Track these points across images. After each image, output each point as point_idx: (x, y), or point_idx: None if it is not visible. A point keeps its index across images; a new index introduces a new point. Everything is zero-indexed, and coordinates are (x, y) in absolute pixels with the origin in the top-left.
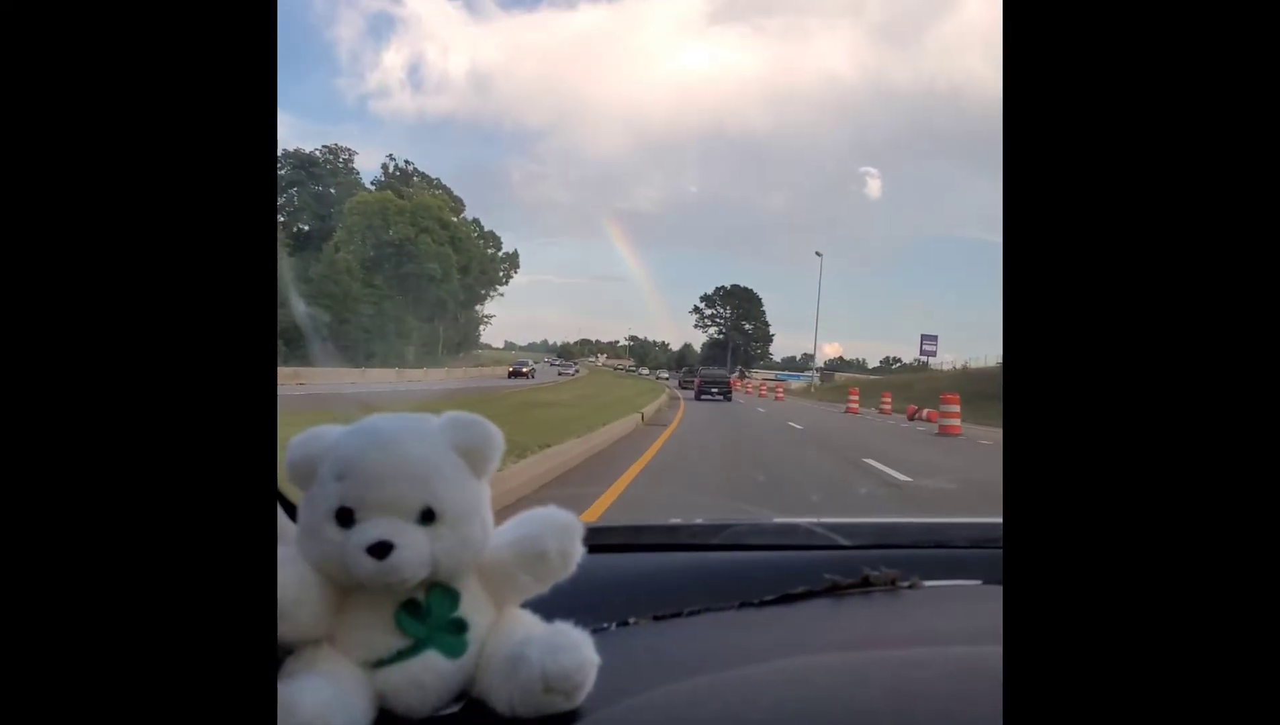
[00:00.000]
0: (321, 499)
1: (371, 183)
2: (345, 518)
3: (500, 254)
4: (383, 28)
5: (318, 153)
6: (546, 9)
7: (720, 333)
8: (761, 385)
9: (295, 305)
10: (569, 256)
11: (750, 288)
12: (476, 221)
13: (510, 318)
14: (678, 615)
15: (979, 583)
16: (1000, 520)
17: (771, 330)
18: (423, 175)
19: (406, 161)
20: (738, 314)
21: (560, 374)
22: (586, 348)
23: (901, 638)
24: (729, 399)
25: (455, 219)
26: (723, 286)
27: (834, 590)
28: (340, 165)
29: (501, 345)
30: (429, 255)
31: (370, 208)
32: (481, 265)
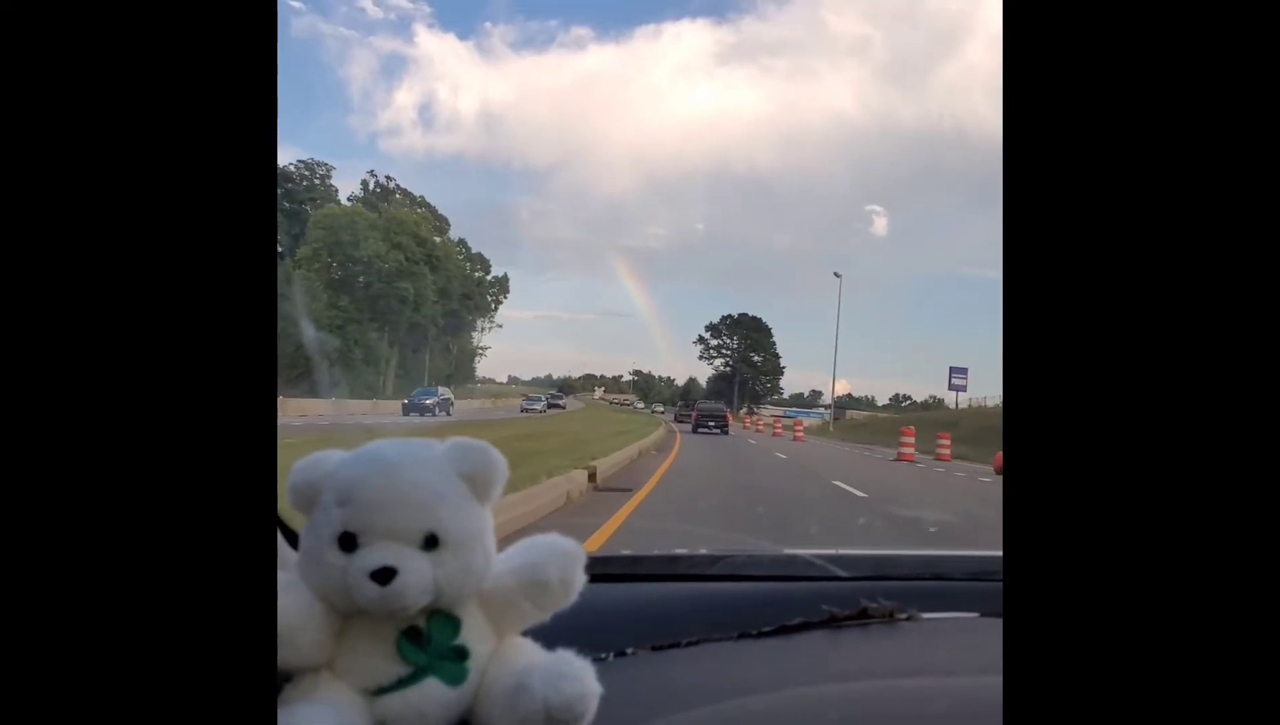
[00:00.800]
0: (324, 524)
1: (348, 199)
2: (348, 543)
3: (489, 278)
4: (395, 67)
5: (292, 168)
6: (556, 50)
7: (727, 365)
8: (775, 422)
9: (305, 330)
10: (576, 293)
11: (759, 317)
12: (463, 242)
13: (516, 353)
14: (676, 646)
15: (976, 615)
16: (996, 553)
17: (782, 363)
18: (405, 192)
19: (388, 177)
20: (746, 345)
21: (525, 410)
22: (590, 382)
23: (901, 670)
24: (725, 432)
25: (439, 239)
26: (729, 315)
27: (832, 622)
28: (317, 182)
29: (505, 379)
30: (401, 274)
31: (338, 221)
32: (465, 288)
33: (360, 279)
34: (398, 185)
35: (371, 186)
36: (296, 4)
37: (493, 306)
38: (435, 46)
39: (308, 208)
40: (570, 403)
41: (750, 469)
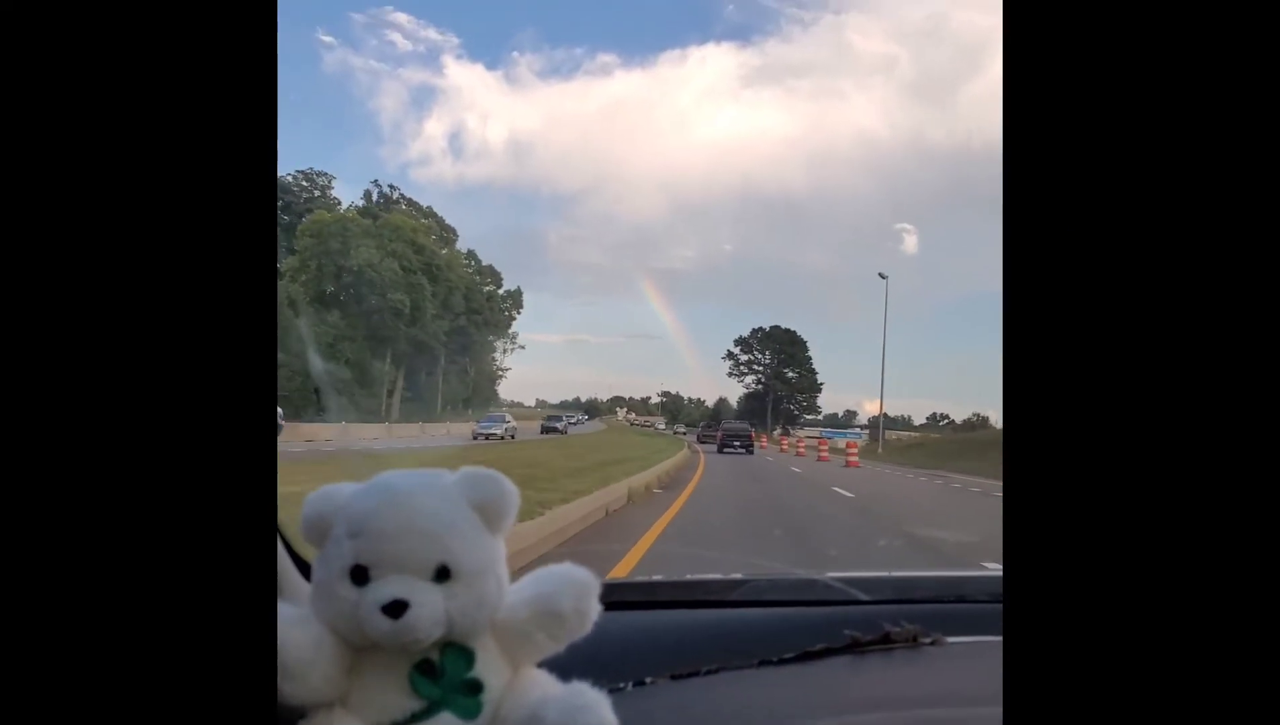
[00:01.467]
0: (335, 557)
1: (349, 208)
2: (360, 576)
3: (501, 292)
4: (424, 98)
5: (290, 179)
6: (582, 77)
7: (759, 382)
8: (820, 444)
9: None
10: (604, 316)
11: (793, 330)
12: (472, 254)
13: (545, 376)
14: (696, 674)
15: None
16: None
17: (819, 379)
18: (410, 202)
19: (391, 186)
20: (779, 360)
21: (480, 436)
22: (618, 404)
23: (927, 697)
24: (750, 452)
25: (444, 251)
26: (760, 328)
27: (855, 647)
28: (317, 194)
29: (533, 403)
30: (395, 285)
31: (328, 229)
32: (473, 302)
33: (352, 291)
34: (402, 195)
35: (375, 197)
36: (328, 38)
37: (509, 321)
38: (464, 77)
39: (304, 220)
40: (592, 425)
41: (811, 525)
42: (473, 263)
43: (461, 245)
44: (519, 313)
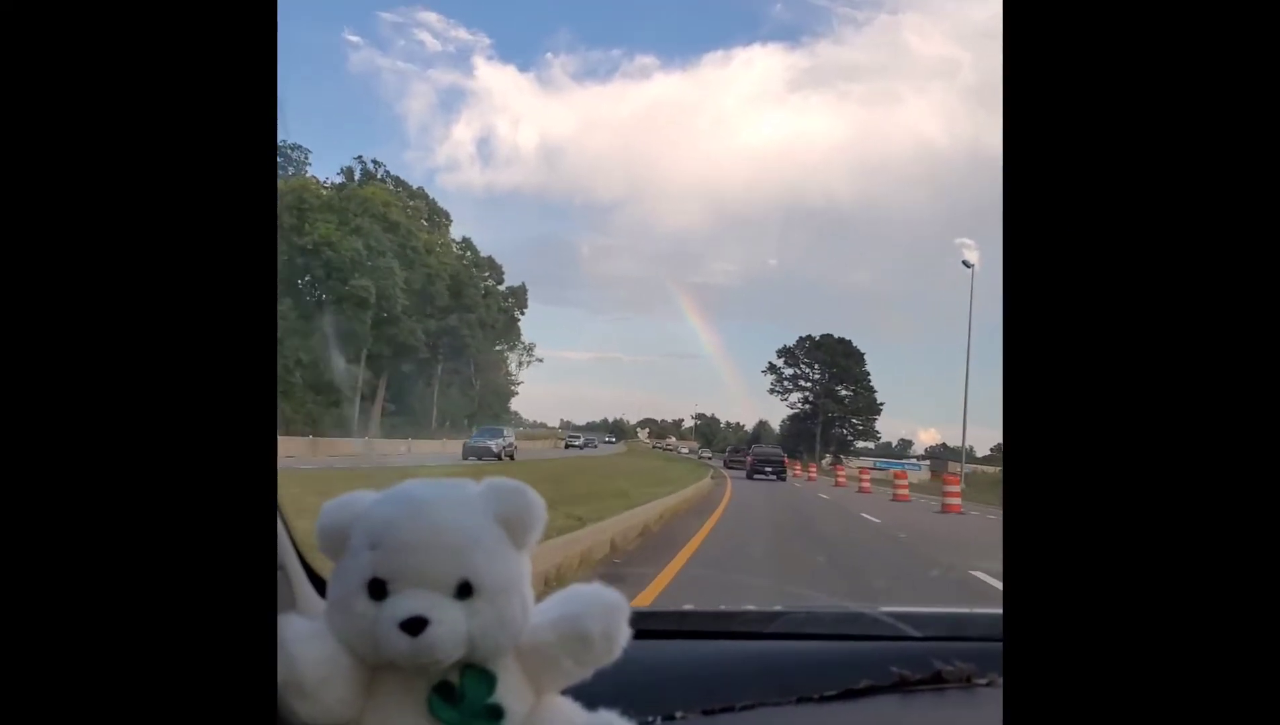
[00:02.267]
0: (353, 570)
1: (326, 187)
2: (378, 590)
3: (502, 288)
4: (453, 101)
5: None
6: (619, 80)
7: (806, 401)
8: (897, 477)
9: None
10: (639, 333)
11: (848, 339)
12: (467, 242)
13: (574, 394)
14: (729, 710)
15: None
16: None
17: (879, 398)
18: (398, 181)
19: (375, 162)
20: (830, 375)
21: None
22: (643, 426)
23: None
24: (782, 478)
25: (427, 236)
26: (809, 337)
27: (902, 685)
28: (291, 171)
29: (558, 423)
30: (356, 267)
31: (283, 200)
32: (463, 297)
33: (307, 275)
34: (388, 172)
35: (357, 175)
36: (354, 39)
37: (511, 322)
38: (495, 79)
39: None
40: (608, 448)
41: None
42: (468, 253)
43: (485, 252)
44: (523, 313)
